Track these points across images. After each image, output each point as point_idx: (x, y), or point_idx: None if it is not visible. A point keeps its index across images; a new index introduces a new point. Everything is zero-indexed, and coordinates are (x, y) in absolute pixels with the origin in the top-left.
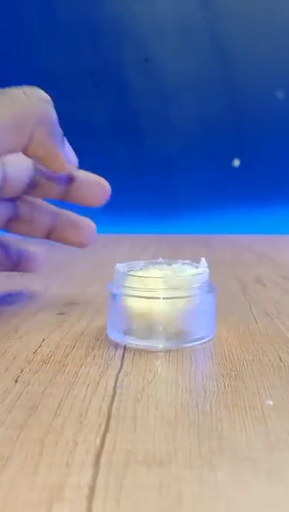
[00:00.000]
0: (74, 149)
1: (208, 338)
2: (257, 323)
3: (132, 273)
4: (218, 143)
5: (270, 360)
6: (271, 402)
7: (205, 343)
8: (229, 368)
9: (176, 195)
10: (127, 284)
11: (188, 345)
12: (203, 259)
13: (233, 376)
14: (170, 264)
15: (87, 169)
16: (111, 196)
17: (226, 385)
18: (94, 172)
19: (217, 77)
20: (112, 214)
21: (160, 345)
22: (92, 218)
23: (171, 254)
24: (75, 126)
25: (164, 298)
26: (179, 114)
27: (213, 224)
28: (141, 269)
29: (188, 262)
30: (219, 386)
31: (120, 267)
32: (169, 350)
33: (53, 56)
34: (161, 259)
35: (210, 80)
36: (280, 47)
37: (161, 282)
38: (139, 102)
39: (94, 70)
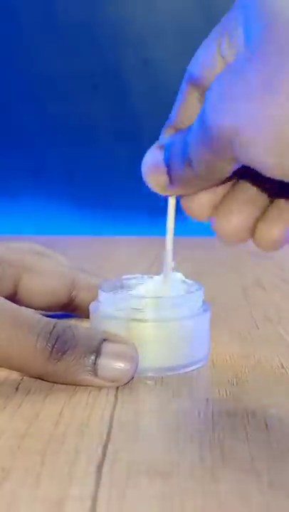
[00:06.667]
0: (74, 151)
1: (199, 365)
2: (258, 328)
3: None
4: None
5: (272, 367)
6: (273, 410)
7: (194, 370)
8: (231, 375)
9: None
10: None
11: (177, 372)
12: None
13: (235, 383)
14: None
15: (87, 170)
16: (111, 198)
17: (228, 392)
18: (94, 173)
19: None
20: (112, 216)
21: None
22: (93, 221)
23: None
24: (75, 128)
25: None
26: None
27: None
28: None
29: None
30: (221, 394)
31: (106, 286)
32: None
33: (53, 58)
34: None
35: None
36: None
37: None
38: (138, 104)
39: (94, 72)
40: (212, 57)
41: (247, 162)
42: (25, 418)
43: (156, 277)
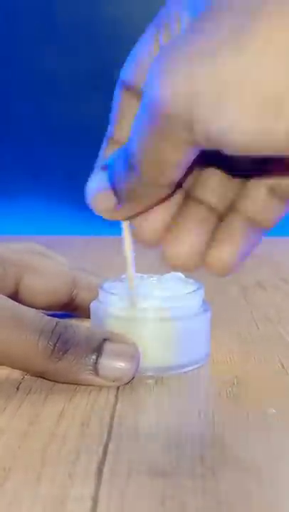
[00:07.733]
0: (74, 151)
1: (199, 365)
2: (258, 328)
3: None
4: None
5: (272, 367)
6: (273, 410)
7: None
8: (231, 375)
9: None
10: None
11: (177, 372)
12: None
13: (235, 383)
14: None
15: (87, 170)
16: None
17: (228, 392)
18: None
19: None
20: None
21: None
22: (93, 221)
23: None
24: (74, 128)
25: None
26: None
27: None
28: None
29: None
30: (221, 393)
31: (106, 286)
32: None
33: (52, 59)
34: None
35: None
36: None
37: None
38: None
39: (94, 72)
40: (149, 54)
41: (208, 136)
42: (25, 418)
43: (156, 277)
